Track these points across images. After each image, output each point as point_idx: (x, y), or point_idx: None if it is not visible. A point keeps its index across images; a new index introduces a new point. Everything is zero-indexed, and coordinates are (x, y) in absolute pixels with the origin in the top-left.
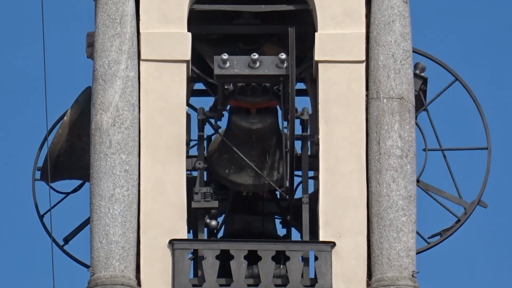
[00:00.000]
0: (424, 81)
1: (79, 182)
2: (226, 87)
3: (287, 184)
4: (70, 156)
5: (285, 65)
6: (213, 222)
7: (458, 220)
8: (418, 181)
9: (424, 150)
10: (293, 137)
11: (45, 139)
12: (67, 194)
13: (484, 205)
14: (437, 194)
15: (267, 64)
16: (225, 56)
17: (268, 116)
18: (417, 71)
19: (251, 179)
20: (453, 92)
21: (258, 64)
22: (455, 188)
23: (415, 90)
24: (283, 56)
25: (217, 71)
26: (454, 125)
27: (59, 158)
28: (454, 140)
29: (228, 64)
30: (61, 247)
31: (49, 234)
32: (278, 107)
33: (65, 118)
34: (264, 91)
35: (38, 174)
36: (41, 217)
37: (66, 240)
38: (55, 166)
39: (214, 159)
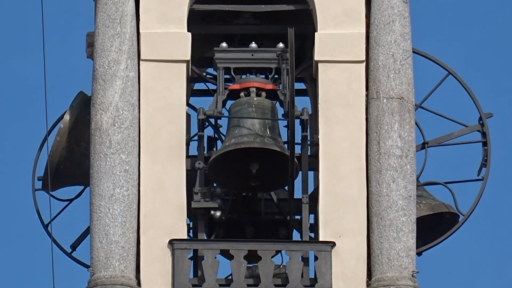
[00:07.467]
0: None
1: (80, 187)
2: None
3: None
4: (70, 163)
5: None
6: (218, 213)
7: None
8: (427, 143)
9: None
10: (294, 137)
11: (45, 139)
12: (70, 201)
13: (489, 115)
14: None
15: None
16: (224, 44)
17: (267, 101)
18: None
19: (253, 138)
20: (453, 91)
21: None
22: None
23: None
24: (281, 45)
25: (217, 55)
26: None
27: (59, 166)
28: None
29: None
30: (69, 254)
31: (57, 243)
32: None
33: (61, 125)
34: (264, 76)
35: (39, 184)
36: (45, 226)
37: (74, 246)
38: (55, 174)
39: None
